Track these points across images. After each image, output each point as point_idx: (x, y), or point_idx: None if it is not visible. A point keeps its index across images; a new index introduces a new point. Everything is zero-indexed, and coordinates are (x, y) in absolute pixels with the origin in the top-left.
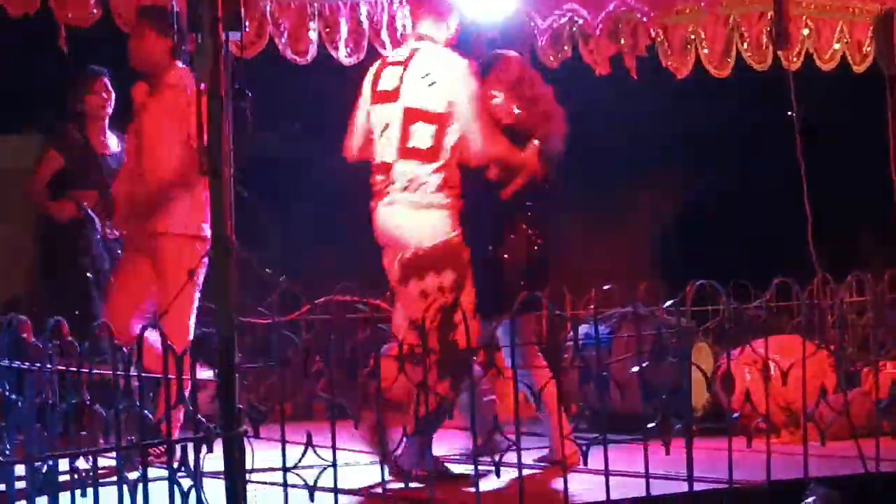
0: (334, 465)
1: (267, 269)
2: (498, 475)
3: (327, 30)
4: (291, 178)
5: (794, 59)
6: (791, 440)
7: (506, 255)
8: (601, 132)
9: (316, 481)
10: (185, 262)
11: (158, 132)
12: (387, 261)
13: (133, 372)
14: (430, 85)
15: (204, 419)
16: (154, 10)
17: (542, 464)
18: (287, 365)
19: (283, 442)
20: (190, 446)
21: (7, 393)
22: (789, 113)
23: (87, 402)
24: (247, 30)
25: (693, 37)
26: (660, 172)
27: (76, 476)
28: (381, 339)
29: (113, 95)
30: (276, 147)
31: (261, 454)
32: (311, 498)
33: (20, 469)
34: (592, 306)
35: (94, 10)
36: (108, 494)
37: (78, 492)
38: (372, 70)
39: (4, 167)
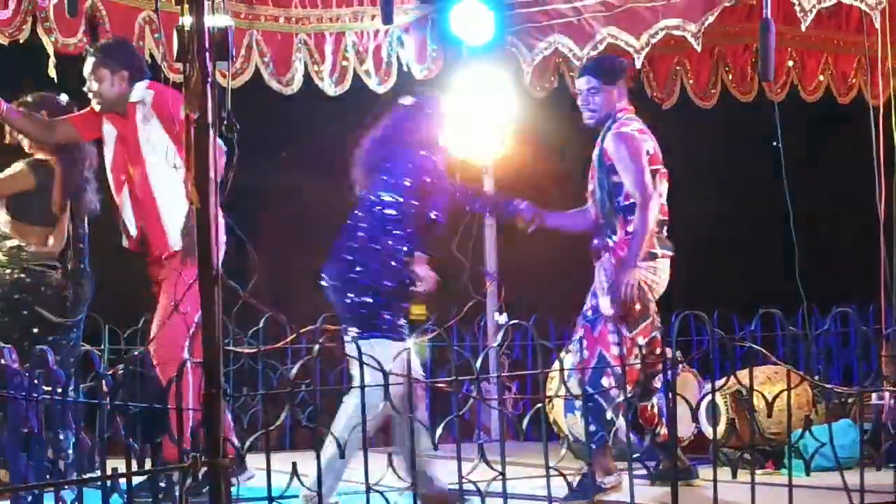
0: (319, 494)
1: (253, 299)
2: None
3: (313, 60)
4: (278, 207)
5: (779, 91)
6: (775, 471)
7: None
8: (586, 162)
9: None
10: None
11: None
12: None
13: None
14: None
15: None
16: (102, 49)
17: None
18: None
19: (269, 471)
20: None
21: None
22: (774, 143)
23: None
24: (234, 60)
25: (678, 68)
26: None
27: None
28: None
29: None
30: (263, 176)
31: (246, 483)
32: None
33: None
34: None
35: (84, 38)
36: None
37: None
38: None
39: None
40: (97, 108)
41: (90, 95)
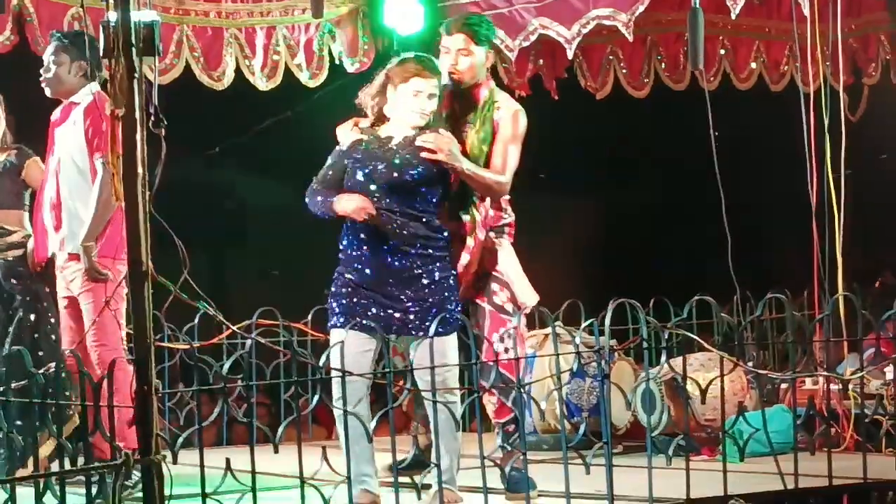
0: (254, 490)
1: (185, 294)
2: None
3: (244, 55)
4: (210, 202)
5: (711, 79)
6: (710, 457)
7: None
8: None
9: None
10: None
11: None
12: None
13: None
14: None
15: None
16: (68, 36)
17: None
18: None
19: (202, 467)
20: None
21: None
22: (715, 133)
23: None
24: (162, 55)
25: (611, 57)
26: (581, 191)
27: None
28: (301, 364)
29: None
30: (195, 171)
31: (179, 480)
32: None
33: None
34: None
35: (12, 36)
36: None
37: None
38: None
39: None
40: (48, 91)
41: (43, 78)
